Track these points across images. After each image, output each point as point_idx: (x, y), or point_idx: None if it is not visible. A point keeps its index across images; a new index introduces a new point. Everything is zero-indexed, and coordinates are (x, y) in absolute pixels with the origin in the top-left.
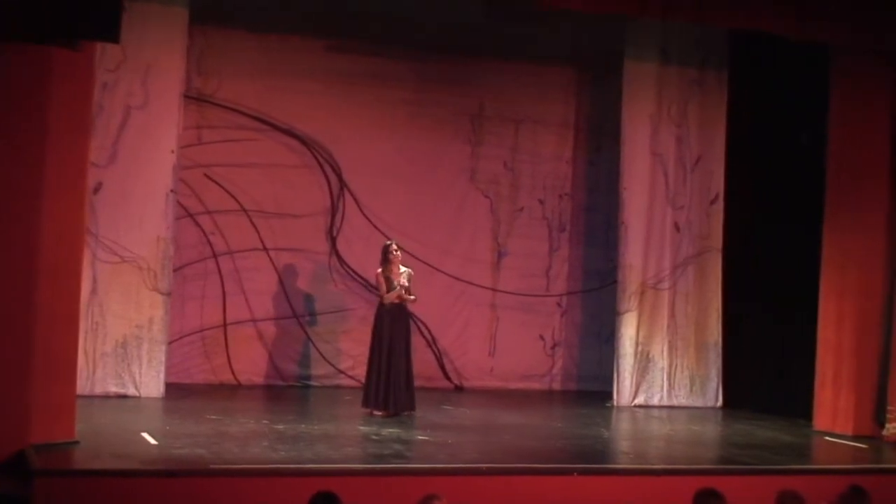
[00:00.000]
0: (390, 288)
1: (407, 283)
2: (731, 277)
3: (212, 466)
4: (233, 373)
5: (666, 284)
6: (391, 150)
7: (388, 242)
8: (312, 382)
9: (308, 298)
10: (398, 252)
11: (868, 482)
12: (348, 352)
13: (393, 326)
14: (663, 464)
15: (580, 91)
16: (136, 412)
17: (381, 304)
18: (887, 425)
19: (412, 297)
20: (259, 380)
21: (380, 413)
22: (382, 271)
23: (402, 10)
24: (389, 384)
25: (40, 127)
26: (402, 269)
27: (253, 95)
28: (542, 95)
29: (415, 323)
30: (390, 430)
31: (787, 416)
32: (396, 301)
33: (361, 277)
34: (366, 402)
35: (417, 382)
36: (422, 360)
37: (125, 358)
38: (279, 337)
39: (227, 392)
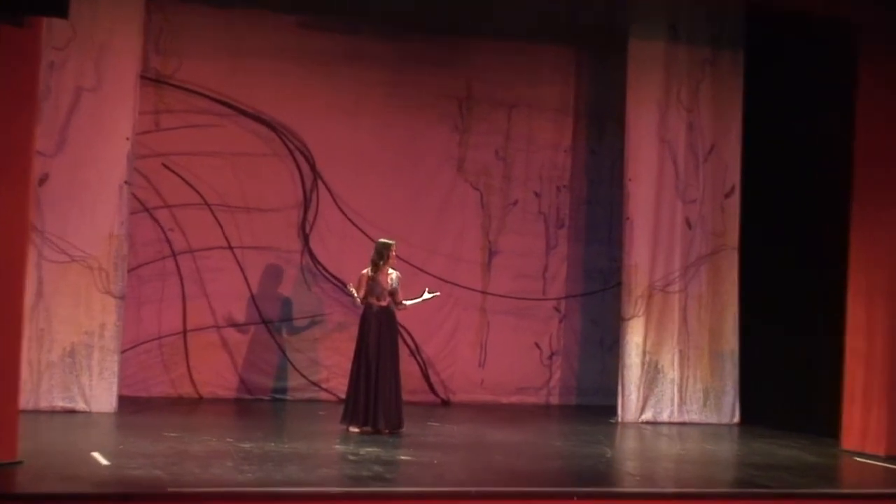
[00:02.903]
0: (374, 293)
1: (396, 287)
2: (748, 279)
3: (170, 490)
4: (194, 385)
5: (676, 287)
6: (370, 137)
7: (390, 242)
8: (283, 396)
9: (278, 302)
10: (395, 254)
11: None
12: (323, 362)
13: (380, 334)
14: (673, 487)
15: (580, 72)
16: (86, 429)
17: (368, 309)
18: None
19: (407, 302)
20: (223, 393)
21: (357, 430)
22: (369, 271)
23: None
24: (377, 399)
25: None
26: (390, 271)
27: (216, 77)
28: (537, 77)
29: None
30: (369, 449)
31: (812, 433)
32: (384, 304)
33: (337, 278)
34: (346, 418)
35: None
36: (405, 371)
37: (73, 368)
38: (246, 345)
39: (187, 406)
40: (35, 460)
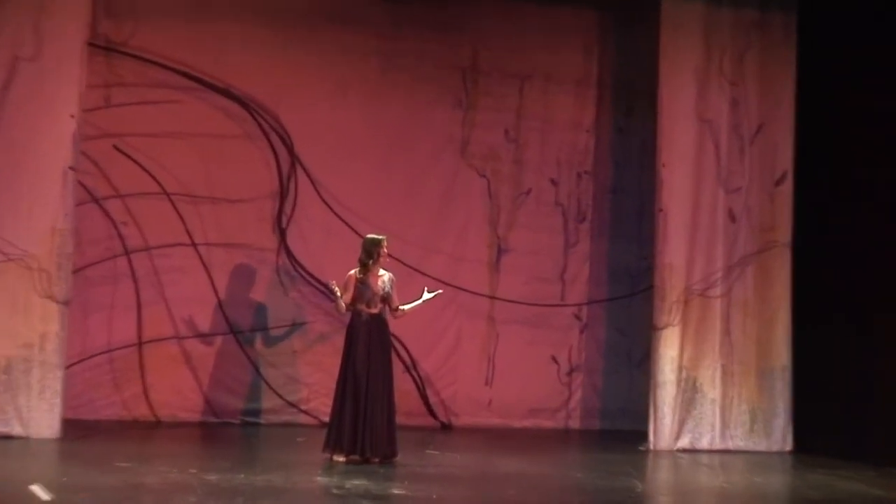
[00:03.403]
0: (363, 299)
1: (389, 291)
2: (802, 281)
3: None
4: (150, 406)
5: (717, 290)
6: (358, 115)
7: (380, 237)
8: (255, 419)
9: (250, 309)
10: (386, 252)
11: None
12: (303, 379)
13: (370, 346)
14: None
15: (605, 38)
16: (24, 457)
17: (356, 317)
18: None
19: (404, 307)
20: (185, 415)
21: (342, 459)
22: (358, 272)
23: None
24: (366, 423)
25: None
26: (382, 272)
27: (178, 44)
28: (555, 43)
29: None
30: (357, 481)
31: (877, 463)
32: (375, 312)
33: (318, 280)
34: (329, 445)
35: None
36: (399, 390)
37: (10, 387)
38: (212, 359)
39: (142, 431)
40: None
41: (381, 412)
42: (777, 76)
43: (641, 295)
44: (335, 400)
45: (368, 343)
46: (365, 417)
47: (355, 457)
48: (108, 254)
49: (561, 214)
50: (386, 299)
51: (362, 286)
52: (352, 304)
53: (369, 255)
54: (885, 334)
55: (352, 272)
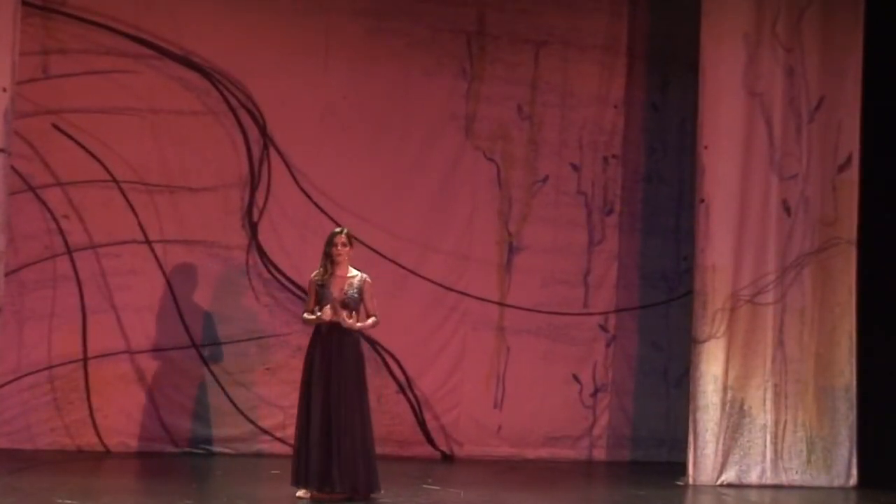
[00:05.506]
0: (321, 306)
1: (355, 296)
2: (870, 285)
3: None
4: (98, 433)
5: (769, 296)
6: (343, 88)
7: (336, 230)
8: (221, 448)
9: (214, 318)
10: (346, 247)
11: None
12: (276, 401)
13: (330, 362)
14: None
15: None
16: None
17: (316, 328)
18: None
19: (367, 322)
20: (138, 444)
21: (306, 495)
22: (317, 275)
23: None
24: (331, 451)
25: None
26: (353, 273)
27: (128, 2)
28: (576, 2)
29: (379, 356)
30: None
31: None
32: (331, 320)
33: (295, 284)
34: (297, 478)
35: (386, 449)
36: (392, 414)
37: None
38: (169, 378)
39: (89, 462)
40: None
41: (350, 440)
42: (841, 41)
43: (679, 302)
44: (297, 426)
45: (328, 360)
46: (328, 446)
47: (323, 493)
48: (47, 253)
49: (584, 206)
50: (349, 305)
51: (321, 290)
52: (313, 313)
53: (324, 252)
54: None
55: (314, 273)
